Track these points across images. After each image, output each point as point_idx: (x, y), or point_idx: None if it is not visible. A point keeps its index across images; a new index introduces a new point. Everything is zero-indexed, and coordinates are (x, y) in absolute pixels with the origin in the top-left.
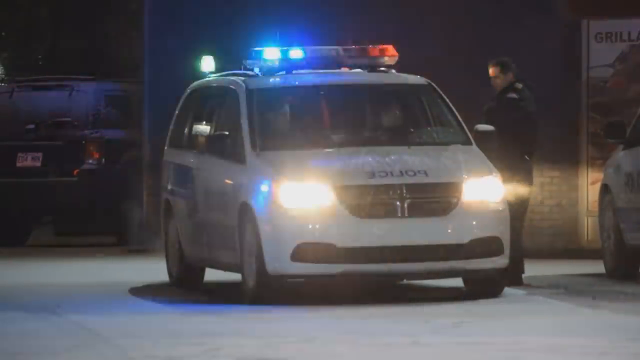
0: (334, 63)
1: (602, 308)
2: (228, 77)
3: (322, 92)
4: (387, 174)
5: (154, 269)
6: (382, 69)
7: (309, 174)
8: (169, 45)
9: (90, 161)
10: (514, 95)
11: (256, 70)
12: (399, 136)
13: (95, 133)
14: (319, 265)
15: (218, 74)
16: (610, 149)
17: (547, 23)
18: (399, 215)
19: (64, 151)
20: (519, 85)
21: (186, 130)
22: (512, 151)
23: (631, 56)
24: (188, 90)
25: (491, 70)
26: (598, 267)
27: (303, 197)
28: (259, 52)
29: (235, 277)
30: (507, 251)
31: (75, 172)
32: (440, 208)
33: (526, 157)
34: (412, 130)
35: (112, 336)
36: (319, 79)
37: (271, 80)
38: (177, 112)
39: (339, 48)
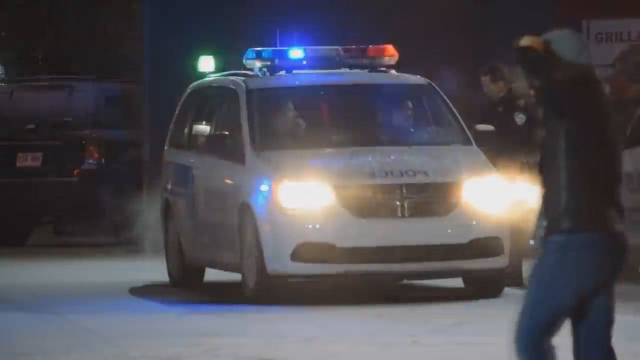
0: (334, 63)
1: None
2: (228, 77)
3: (322, 92)
4: (387, 174)
5: (154, 269)
6: (382, 69)
7: (309, 174)
8: (169, 45)
9: (90, 161)
10: (522, 119)
11: (256, 70)
12: (399, 136)
13: (95, 133)
14: (319, 265)
15: (218, 74)
16: None
17: (547, 23)
18: (399, 215)
19: (64, 151)
20: (521, 103)
21: (186, 130)
22: (509, 155)
23: (631, 56)
24: (188, 90)
25: (482, 79)
26: None
27: (303, 197)
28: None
29: (235, 277)
30: (507, 251)
31: (75, 172)
32: (440, 208)
33: (524, 160)
34: (412, 130)
35: (112, 336)
36: (319, 79)
37: (271, 80)
38: (177, 112)
39: (339, 48)
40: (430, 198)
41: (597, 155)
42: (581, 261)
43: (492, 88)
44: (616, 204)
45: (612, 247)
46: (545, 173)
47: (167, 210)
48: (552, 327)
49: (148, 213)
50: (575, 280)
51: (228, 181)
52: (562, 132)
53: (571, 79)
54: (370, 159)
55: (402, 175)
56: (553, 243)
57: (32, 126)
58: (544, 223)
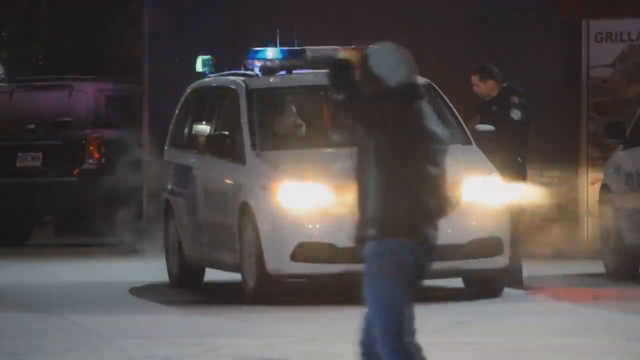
0: None
1: (602, 308)
2: (228, 77)
3: (322, 92)
4: None
5: (154, 269)
6: None
7: (309, 174)
8: (169, 45)
9: (90, 161)
10: (517, 114)
11: (256, 70)
12: None
13: (95, 133)
14: (319, 265)
15: (218, 74)
16: (610, 149)
17: (547, 23)
18: None
19: (64, 151)
20: (515, 100)
21: (186, 130)
22: (506, 154)
23: (631, 56)
24: (188, 90)
25: (472, 79)
26: (598, 267)
27: (303, 197)
28: (261, 52)
29: (235, 277)
30: (507, 251)
31: (75, 172)
32: None
33: (519, 159)
34: None
35: (112, 336)
36: (319, 79)
37: (271, 80)
38: (177, 112)
39: (339, 48)
40: None
41: (404, 166)
42: (398, 263)
43: (482, 87)
44: (425, 212)
45: (418, 253)
46: (358, 182)
47: (167, 210)
48: (406, 328)
49: (148, 213)
50: (399, 278)
51: (228, 181)
52: (371, 143)
53: (379, 94)
54: None
55: None
56: (369, 251)
57: (32, 126)
58: (357, 230)
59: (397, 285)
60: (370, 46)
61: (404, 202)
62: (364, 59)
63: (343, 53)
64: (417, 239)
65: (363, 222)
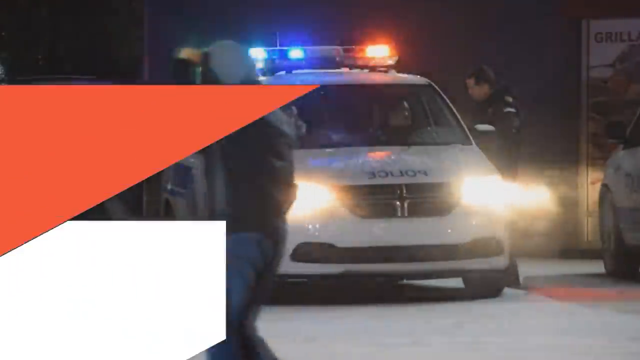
0: (334, 63)
1: (602, 308)
2: None
3: (322, 92)
4: (387, 174)
5: None
6: (382, 69)
7: (308, 174)
8: (169, 45)
9: None
10: (511, 110)
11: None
12: (399, 136)
13: None
14: (319, 265)
15: None
16: (610, 149)
17: (547, 23)
18: (399, 215)
19: None
20: (509, 99)
21: None
22: (501, 156)
23: (631, 56)
24: None
25: (466, 82)
26: (598, 267)
27: (303, 197)
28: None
29: None
30: (507, 251)
31: None
32: (440, 208)
33: (512, 161)
34: (412, 130)
35: None
36: (319, 79)
37: (271, 80)
38: None
39: (339, 48)
40: (430, 198)
41: (249, 161)
42: (240, 258)
43: (476, 90)
44: (272, 204)
45: (266, 245)
46: (207, 178)
47: (167, 210)
48: (244, 312)
49: (148, 213)
50: (242, 276)
51: None
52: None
53: None
54: (370, 159)
55: (402, 175)
56: None
57: None
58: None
59: (239, 281)
60: (211, 45)
61: (251, 195)
62: (206, 57)
63: (184, 52)
64: (266, 231)
65: (214, 217)
